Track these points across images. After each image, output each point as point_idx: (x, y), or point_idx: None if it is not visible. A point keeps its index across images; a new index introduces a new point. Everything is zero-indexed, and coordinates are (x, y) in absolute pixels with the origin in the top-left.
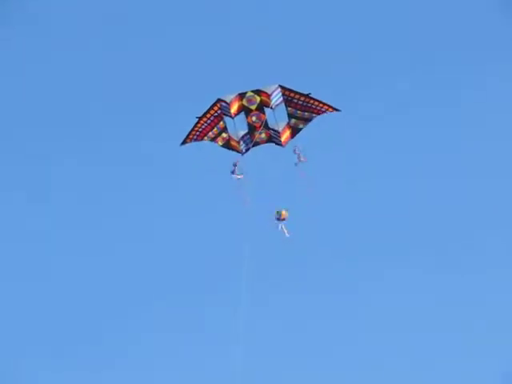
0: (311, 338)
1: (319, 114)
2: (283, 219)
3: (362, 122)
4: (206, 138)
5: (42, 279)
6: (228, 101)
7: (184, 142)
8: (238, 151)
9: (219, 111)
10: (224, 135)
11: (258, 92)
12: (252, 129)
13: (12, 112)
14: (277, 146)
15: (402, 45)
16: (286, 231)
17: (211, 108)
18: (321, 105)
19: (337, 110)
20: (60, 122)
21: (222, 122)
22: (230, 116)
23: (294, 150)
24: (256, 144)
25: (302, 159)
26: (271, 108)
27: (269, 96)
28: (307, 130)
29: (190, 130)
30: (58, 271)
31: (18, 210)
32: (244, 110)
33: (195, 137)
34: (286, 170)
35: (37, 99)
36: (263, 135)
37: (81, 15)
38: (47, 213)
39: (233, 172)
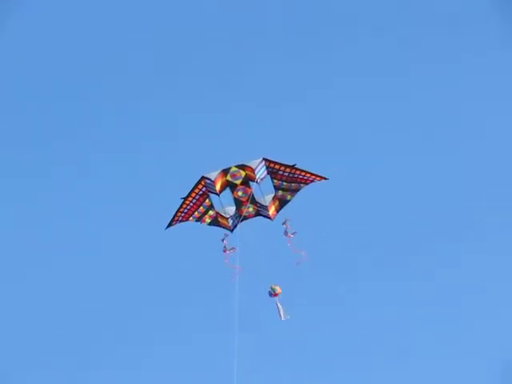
0: None
1: (307, 184)
2: (276, 295)
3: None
4: (191, 218)
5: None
6: (212, 178)
7: (169, 225)
8: (226, 228)
9: (204, 189)
10: (211, 213)
11: (241, 167)
12: (239, 204)
13: None
14: (265, 220)
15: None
16: (282, 313)
17: (196, 186)
18: (308, 175)
19: (324, 178)
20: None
21: (207, 200)
22: (216, 193)
23: (283, 223)
24: (244, 219)
25: (290, 235)
26: (256, 182)
27: (253, 170)
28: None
29: (175, 211)
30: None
31: None
32: (229, 185)
33: (181, 217)
34: (276, 242)
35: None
36: (251, 209)
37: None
38: None
39: (224, 249)
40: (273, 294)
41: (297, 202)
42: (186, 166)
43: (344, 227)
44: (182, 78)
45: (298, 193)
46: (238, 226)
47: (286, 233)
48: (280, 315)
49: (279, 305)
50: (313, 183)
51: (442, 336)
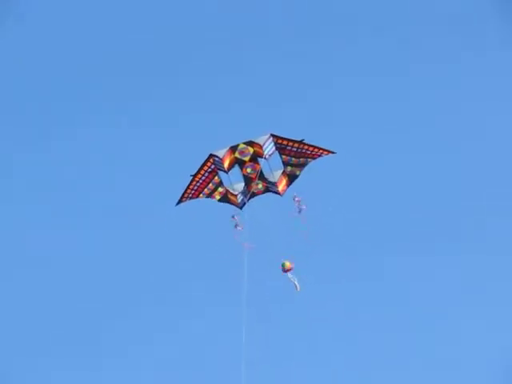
0: None
1: (314, 159)
2: (289, 270)
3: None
4: (201, 195)
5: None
6: (220, 156)
7: (180, 202)
8: (236, 205)
9: (213, 166)
10: (220, 189)
11: (250, 143)
12: (248, 180)
13: None
14: (275, 196)
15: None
16: (296, 284)
17: (204, 164)
18: (316, 149)
19: (332, 152)
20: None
21: (216, 177)
22: (224, 171)
23: (294, 198)
24: (253, 195)
25: (302, 207)
26: (265, 158)
27: (261, 146)
28: (304, 176)
29: (184, 188)
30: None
31: None
32: (237, 162)
33: (190, 195)
34: (286, 218)
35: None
36: (260, 185)
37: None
38: None
39: (235, 226)
40: (284, 270)
41: (304, 178)
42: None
43: (351, 205)
44: (182, 78)
45: (306, 167)
46: (248, 202)
47: (298, 205)
48: (296, 287)
49: (292, 279)
50: (320, 158)
51: (443, 337)
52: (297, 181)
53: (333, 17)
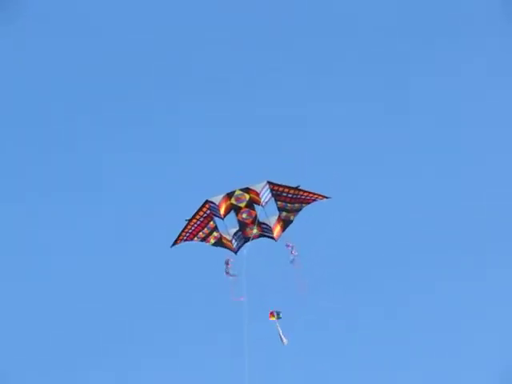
0: None
1: (309, 203)
2: (273, 316)
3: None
4: (196, 238)
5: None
6: (216, 202)
7: (174, 243)
8: (230, 249)
9: (208, 211)
10: (215, 234)
11: (246, 190)
12: (243, 226)
13: None
14: (269, 241)
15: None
16: (283, 338)
17: (200, 209)
18: (311, 195)
19: (326, 197)
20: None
21: (212, 222)
22: (220, 217)
23: (287, 245)
24: (248, 239)
25: (295, 255)
26: (261, 206)
27: (258, 194)
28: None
29: (180, 231)
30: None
31: None
32: (233, 208)
33: (185, 237)
34: (281, 264)
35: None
36: (255, 230)
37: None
38: None
39: (227, 271)
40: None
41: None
42: (189, 174)
43: (347, 244)
44: (182, 78)
45: (300, 212)
46: (242, 248)
47: (291, 251)
48: (282, 341)
49: (279, 329)
50: (315, 202)
51: (443, 338)
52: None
53: (333, 17)
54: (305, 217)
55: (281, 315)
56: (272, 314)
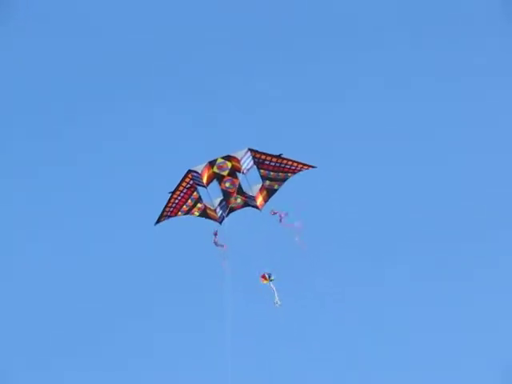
0: None
1: (294, 173)
2: (269, 279)
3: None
4: (180, 212)
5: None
6: (199, 171)
7: (158, 221)
8: (215, 220)
9: (191, 182)
10: (199, 205)
11: (227, 158)
12: (227, 195)
13: None
14: (254, 210)
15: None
16: (277, 300)
17: (183, 180)
18: (294, 164)
19: (312, 166)
20: None
21: (195, 193)
22: (203, 186)
23: (271, 212)
24: (232, 210)
25: (282, 215)
26: (243, 173)
27: (239, 161)
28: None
29: (163, 206)
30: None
31: None
32: (216, 177)
33: (169, 213)
34: (268, 232)
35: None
36: (239, 200)
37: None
38: None
39: (215, 242)
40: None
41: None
42: (175, 160)
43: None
44: (182, 78)
45: (286, 182)
46: (227, 217)
47: (279, 216)
48: (276, 303)
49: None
50: (300, 172)
51: (443, 337)
52: (276, 195)
53: (334, 17)
54: (291, 187)
55: (273, 277)
56: (264, 276)
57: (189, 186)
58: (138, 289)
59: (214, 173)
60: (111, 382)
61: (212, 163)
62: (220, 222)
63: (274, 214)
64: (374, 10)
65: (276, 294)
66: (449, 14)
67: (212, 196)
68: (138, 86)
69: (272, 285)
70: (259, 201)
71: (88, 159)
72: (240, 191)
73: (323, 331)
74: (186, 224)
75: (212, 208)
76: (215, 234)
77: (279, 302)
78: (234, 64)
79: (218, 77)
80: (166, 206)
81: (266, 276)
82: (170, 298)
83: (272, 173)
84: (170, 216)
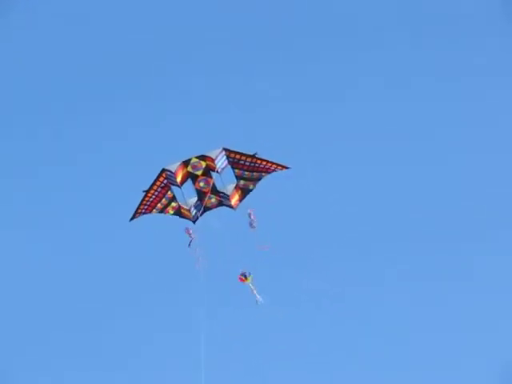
0: None
1: (269, 173)
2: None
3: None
4: (154, 210)
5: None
6: (173, 170)
7: (133, 217)
8: (189, 219)
9: (165, 181)
10: (174, 204)
11: (202, 157)
12: (201, 194)
13: None
14: (229, 209)
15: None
16: (258, 297)
17: (157, 179)
18: (269, 164)
19: (286, 167)
20: None
21: (169, 192)
22: (177, 185)
23: (249, 215)
24: (207, 209)
25: (253, 222)
26: (217, 172)
27: (213, 160)
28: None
29: (138, 204)
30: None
31: None
32: (190, 176)
33: (143, 210)
34: (240, 231)
35: None
36: (213, 199)
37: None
38: None
39: (190, 243)
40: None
41: (260, 191)
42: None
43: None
44: (181, 78)
45: (261, 181)
46: (201, 217)
47: (250, 224)
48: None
49: (253, 290)
50: (275, 172)
51: (443, 336)
52: (251, 194)
53: (334, 17)
54: (266, 186)
55: (251, 276)
56: (242, 277)
57: (163, 185)
58: (132, 288)
59: (188, 172)
60: (108, 381)
61: (186, 162)
62: (194, 222)
63: (250, 217)
64: (373, 9)
65: (256, 292)
66: (449, 14)
67: (186, 195)
68: (138, 86)
69: (251, 285)
70: (234, 200)
71: (88, 159)
72: (214, 191)
73: (311, 331)
74: (162, 220)
75: (186, 207)
76: (188, 233)
77: (260, 300)
78: (233, 64)
79: (217, 77)
80: (140, 204)
81: (244, 276)
82: (166, 298)
83: (247, 172)
84: (144, 213)
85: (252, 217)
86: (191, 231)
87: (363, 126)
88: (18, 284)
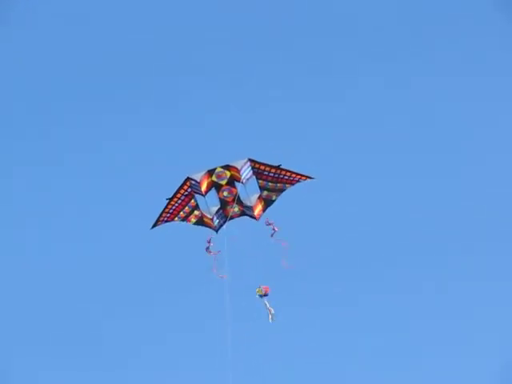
0: None
1: (292, 184)
2: (265, 294)
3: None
4: (176, 218)
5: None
6: (197, 179)
7: (155, 225)
8: (211, 228)
9: (189, 189)
10: (196, 213)
11: (227, 167)
12: (224, 204)
13: None
14: (251, 220)
15: None
16: (270, 314)
17: (181, 187)
18: (293, 175)
19: (310, 178)
20: None
21: (193, 200)
22: (201, 194)
23: (266, 223)
24: (230, 218)
25: (275, 229)
26: (242, 183)
27: (238, 171)
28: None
29: (160, 211)
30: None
31: None
32: (214, 186)
33: (166, 218)
34: (262, 242)
35: None
36: (236, 209)
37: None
38: None
39: (207, 249)
40: (261, 295)
41: (283, 202)
42: (174, 164)
43: (331, 228)
44: (181, 77)
45: (284, 193)
46: (224, 226)
47: (272, 234)
48: (270, 317)
49: (267, 306)
50: (298, 183)
51: (442, 336)
52: (276, 206)
53: (334, 17)
54: (289, 197)
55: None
56: (263, 290)
57: (187, 193)
58: (134, 290)
59: (213, 181)
60: (107, 381)
61: (211, 172)
62: (216, 231)
63: (269, 224)
64: (374, 10)
65: (268, 308)
66: (449, 14)
67: (209, 204)
68: (138, 85)
69: (265, 301)
70: (257, 211)
71: (88, 159)
72: (238, 200)
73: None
74: (183, 228)
75: (209, 216)
76: (209, 242)
77: (272, 316)
78: (233, 64)
79: (217, 77)
80: (162, 212)
81: (262, 291)
82: (166, 299)
83: (270, 183)
84: (166, 221)
85: (273, 227)
86: (211, 241)
87: (363, 125)
88: (36, 284)
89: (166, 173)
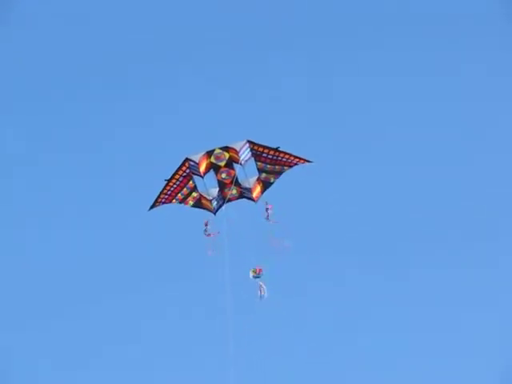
0: None
1: (290, 167)
2: (257, 276)
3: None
4: (174, 200)
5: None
6: (196, 160)
7: (153, 206)
8: (209, 210)
9: (188, 170)
10: (194, 194)
11: (225, 148)
12: (222, 186)
13: None
14: (249, 202)
15: None
16: (261, 291)
17: (179, 168)
18: (291, 157)
19: (309, 161)
20: None
21: (191, 182)
22: (200, 175)
23: (266, 209)
24: (228, 201)
25: (269, 212)
26: (240, 164)
27: (237, 152)
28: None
29: (158, 193)
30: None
31: None
32: (213, 167)
33: (164, 199)
34: (260, 224)
35: None
36: (234, 191)
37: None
38: None
39: (205, 232)
40: (255, 276)
41: (281, 185)
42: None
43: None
44: (181, 77)
45: (282, 175)
46: (223, 207)
47: (267, 217)
48: (260, 295)
49: (261, 287)
50: (297, 166)
51: (442, 336)
52: (273, 187)
53: (335, 17)
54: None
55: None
56: (257, 271)
57: (185, 174)
58: (134, 290)
59: (211, 163)
60: (108, 378)
61: (210, 153)
62: (214, 213)
63: (267, 210)
64: (374, 10)
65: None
66: (449, 14)
67: (208, 186)
68: (138, 86)
69: (260, 282)
70: (255, 193)
71: (88, 159)
72: (236, 183)
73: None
74: (182, 211)
75: (208, 198)
76: (206, 225)
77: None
78: (233, 64)
79: (217, 77)
80: (160, 193)
81: (257, 272)
82: (164, 285)
83: (269, 165)
84: (164, 202)
85: (269, 211)
86: (208, 224)
87: (363, 125)
88: (34, 277)
89: (166, 173)
